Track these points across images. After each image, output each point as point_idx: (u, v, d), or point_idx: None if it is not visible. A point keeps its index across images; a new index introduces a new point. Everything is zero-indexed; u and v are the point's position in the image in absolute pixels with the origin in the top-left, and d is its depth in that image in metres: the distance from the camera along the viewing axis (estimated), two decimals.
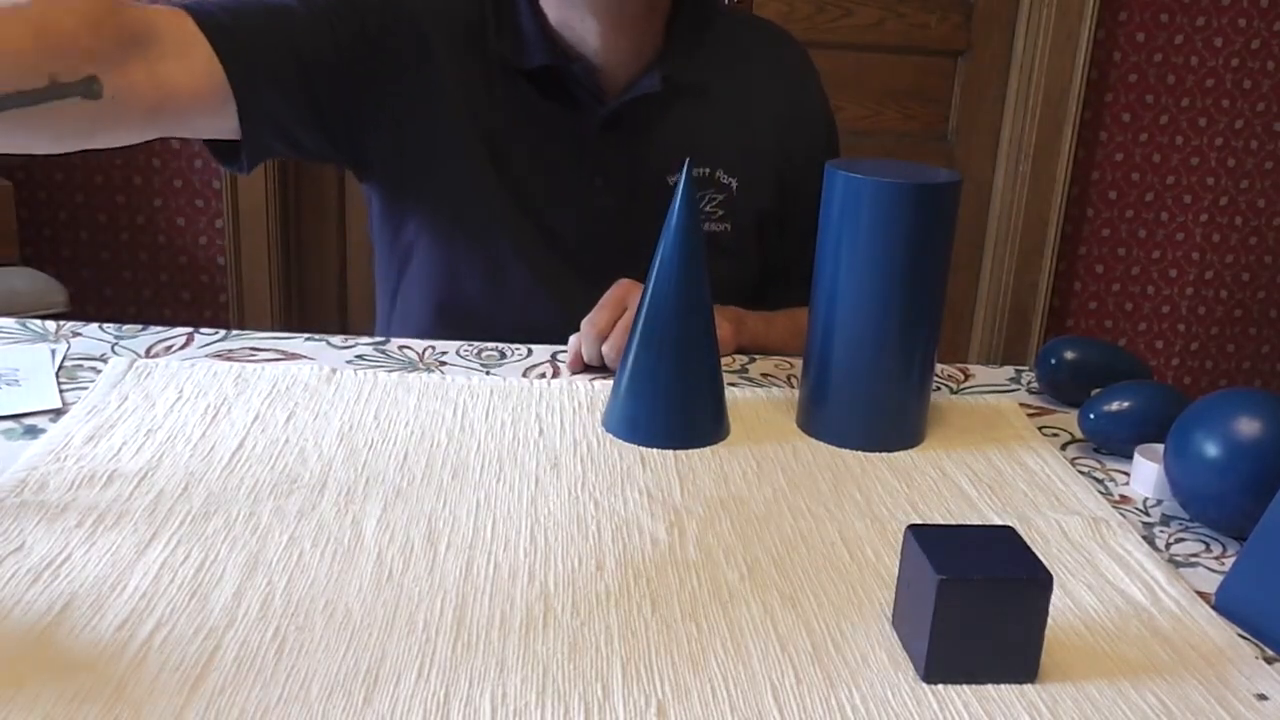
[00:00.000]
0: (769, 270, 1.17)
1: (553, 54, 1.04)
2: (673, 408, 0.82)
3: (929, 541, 0.58)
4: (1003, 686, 0.57)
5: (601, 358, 0.94)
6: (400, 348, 0.99)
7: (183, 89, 0.88)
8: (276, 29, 0.96)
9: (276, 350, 0.97)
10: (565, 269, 1.04)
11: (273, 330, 1.02)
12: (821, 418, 0.85)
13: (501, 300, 1.08)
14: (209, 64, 0.90)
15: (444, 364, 0.96)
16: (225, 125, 0.95)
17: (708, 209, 1.09)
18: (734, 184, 1.10)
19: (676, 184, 1.10)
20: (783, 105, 1.13)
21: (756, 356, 1.02)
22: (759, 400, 0.91)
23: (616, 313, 0.94)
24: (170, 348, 0.96)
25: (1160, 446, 0.79)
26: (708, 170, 1.09)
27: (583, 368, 0.96)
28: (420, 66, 1.04)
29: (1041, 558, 0.58)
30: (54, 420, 0.81)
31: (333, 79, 1.01)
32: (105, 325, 1.00)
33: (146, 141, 0.93)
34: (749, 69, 1.12)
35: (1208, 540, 0.74)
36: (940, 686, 0.57)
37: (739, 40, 1.13)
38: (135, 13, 0.84)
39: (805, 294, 1.15)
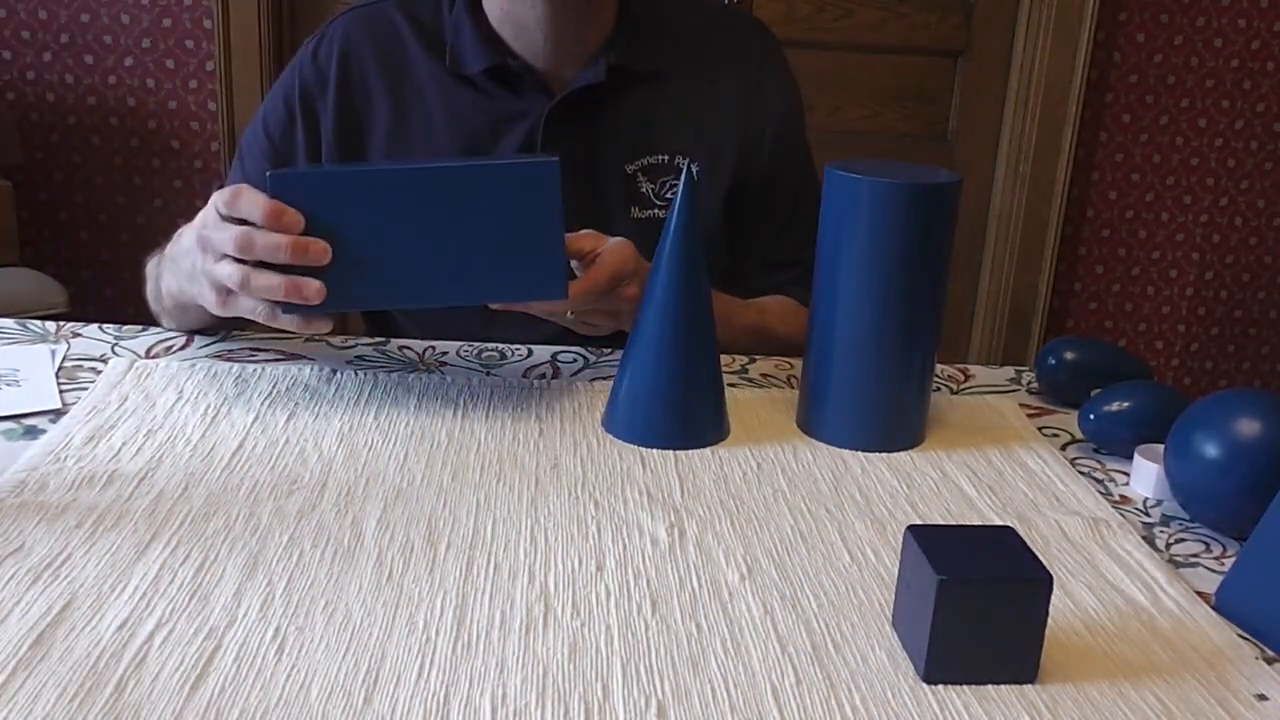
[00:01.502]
0: (737, 253, 1.16)
1: (493, 55, 1.05)
2: (673, 408, 0.82)
3: (929, 542, 0.58)
4: (1003, 687, 0.57)
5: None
6: (400, 348, 0.99)
7: None
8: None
9: (276, 351, 0.97)
10: None
11: (273, 331, 1.02)
12: (821, 418, 0.85)
13: (473, 306, 1.10)
14: None
15: (444, 364, 0.96)
16: None
17: (669, 195, 1.09)
18: (695, 169, 1.10)
19: (637, 175, 1.10)
20: (740, 86, 1.11)
21: (757, 357, 1.02)
22: (759, 400, 0.91)
23: (614, 284, 0.90)
24: (170, 348, 0.96)
25: (1160, 447, 0.79)
26: (666, 157, 1.09)
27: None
28: (349, 130, 1.09)
29: (1041, 558, 0.58)
30: (54, 421, 0.81)
31: None
32: (105, 326, 1.00)
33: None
34: (707, 53, 1.11)
35: (1208, 540, 0.74)
36: (940, 687, 0.57)
37: (694, 25, 1.12)
38: None
39: (772, 277, 1.15)
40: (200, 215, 0.84)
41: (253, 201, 0.79)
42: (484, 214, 0.80)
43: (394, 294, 0.82)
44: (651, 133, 1.08)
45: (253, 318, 0.82)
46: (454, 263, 0.81)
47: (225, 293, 0.82)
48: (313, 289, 0.79)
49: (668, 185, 1.09)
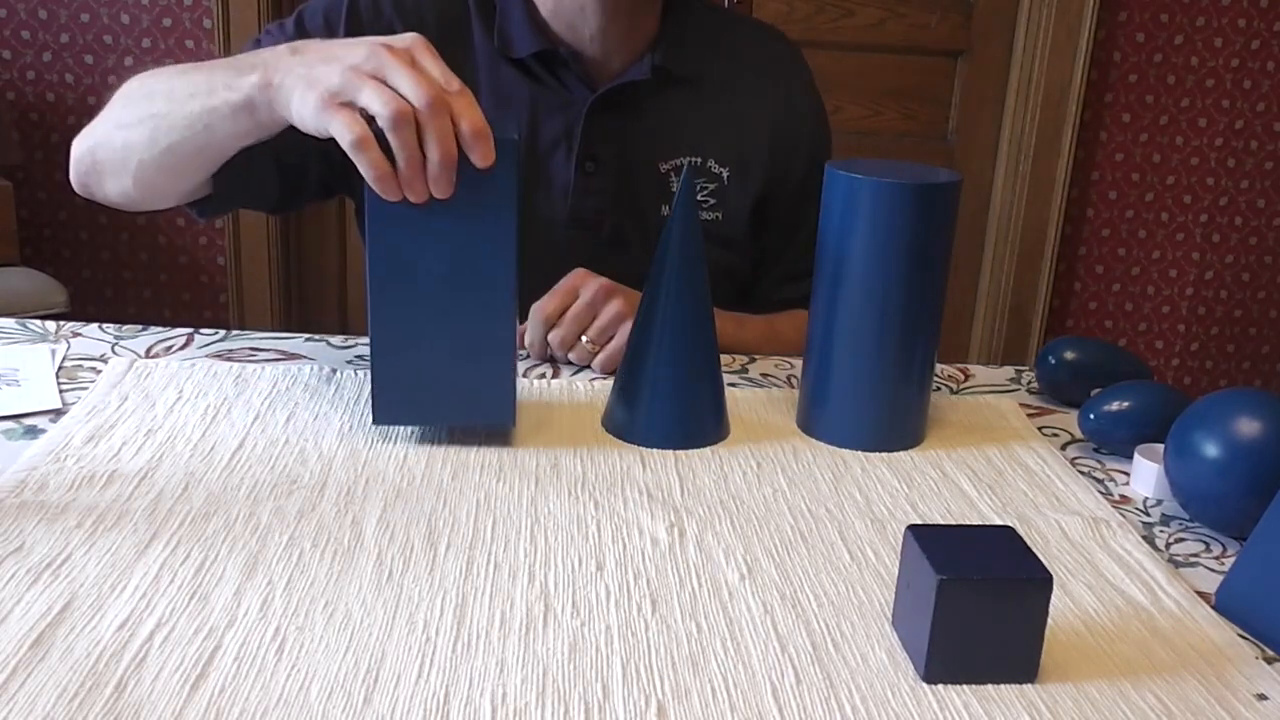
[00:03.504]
0: (754, 263, 1.18)
1: (542, 41, 1.05)
2: (672, 408, 0.82)
3: (929, 541, 0.58)
4: (1003, 686, 0.57)
5: (547, 345, 0.95)
6: None
7: None
8: None
9: (276, 350, 0.97)
10: (556, 255, 1.05)
11: (272, 330, 1.02)
12: (821, 418, 0.85)
13: None
14: None
15: None
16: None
17: (699, 197, 1.10)
18: (725, 174, 1.11)
19: (669, 175, 1.11)
20: (774, 99, 1.14)
21: (756, 357, 1.02)
22: (759, 400, 0.91)
23: (566, 301, 0.94)
24: (170, 348, 0.96)
25: (1160, 446, 0.79)
26: (699, 159, 1.10)
27: (543, 356, 0.96)
28: None
29: (1041, 558, 0.58)
30: (54, 420, 0.81)
31: (305, 143, 1.01)
32: (105, 325, 1.00)
33: None
34: (741, 63, 1.13)
35: (1208, 540, 0.74)
36: (940, 686, 0.57)
37: (731, 36, 1.15)
38: None
39: (789, 290, 1.16)
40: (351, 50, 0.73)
41: (443, 70, 0.71)
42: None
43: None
44: (686, 134, 1.10)
45: (354, 145, 0.71)
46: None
47: (338, 105, 0.71)
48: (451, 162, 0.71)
49: (699, 187, 1.10)
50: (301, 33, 1.06)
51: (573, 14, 1.05)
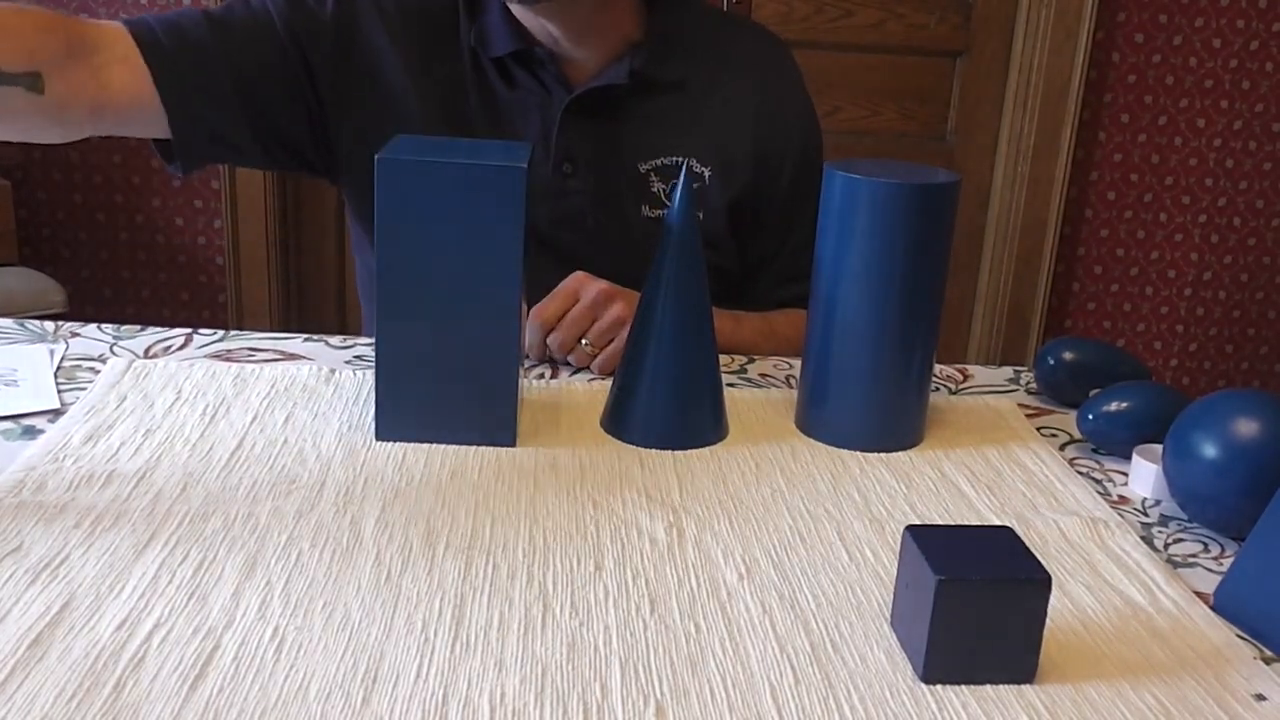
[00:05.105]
0: (747, 266, 1.18)
1: (518, 40, 1.05)
2: (671, 408, 0.82)
3: (927, 542, 0.58)
4: (1001, 687, 0.57)
5: (547, 348, 0.95)
6: None
7: (121, 95, 0.95)
8: (212, 45, 1.00)
9: (275, 350, 0.97)
10: (538, 257, 1.05)
11: (271, 331, 1.02)
12: (820, 418, 0.85)
13: None
14: (144, 75, 0.96)
15: None
16: (162, 129, 1.00)
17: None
18: (706, 173, 1.10)
19: (650, 175, 1.11)
20: (762, 102, 1.13)
21: (755, 357, 1.02)
22: (757, 401, 0.91)
23: (566, 304, 0.94)
24: (169, 348, 0.96)
25: (1159, 447, 0.79)
26: (679, 159, 1.09)
27: (542, 358, 0.96)
28: (380, 77, 1.06)
29: (1040, 558, 0.58)
30: (52, 421, 0.81)
31: (279, 93, 1.04)
32: (104, 325, 1.00)
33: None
34: (728, 64, 1.13)
35: (1206, 541, 0.74)
36: (939, 687, 0.57)
37: (721, 38, 1.14)
38: (80, 24, 0.92)
39: (784, 291, 1.16)
40: None
41: None
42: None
43: None
44: (666, 135, 1.09)
45: None
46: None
47: None
48: None
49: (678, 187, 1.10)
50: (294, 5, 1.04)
51: (536, 27, 1.05)
